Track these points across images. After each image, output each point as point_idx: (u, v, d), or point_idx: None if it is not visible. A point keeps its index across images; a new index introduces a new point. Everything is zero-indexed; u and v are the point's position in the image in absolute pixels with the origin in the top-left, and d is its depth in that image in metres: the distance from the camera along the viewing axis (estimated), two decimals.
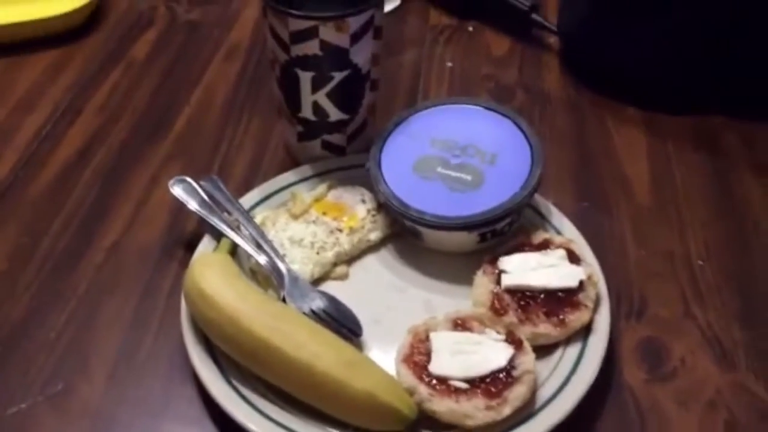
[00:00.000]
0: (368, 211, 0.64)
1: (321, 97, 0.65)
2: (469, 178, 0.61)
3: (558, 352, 0.55)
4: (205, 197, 0.63)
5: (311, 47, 0.62)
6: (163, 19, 0.93)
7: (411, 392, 0.50)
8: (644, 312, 0.60)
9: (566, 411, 0.50)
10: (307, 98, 0.65)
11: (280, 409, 0.51)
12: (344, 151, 0.69)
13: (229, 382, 0.52)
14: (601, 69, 0.82)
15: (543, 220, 0.63)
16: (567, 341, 0.55)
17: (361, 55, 0.63)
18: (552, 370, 0.53)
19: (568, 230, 0.62)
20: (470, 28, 0.92)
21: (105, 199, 0.69)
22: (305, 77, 0.64)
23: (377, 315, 0.58)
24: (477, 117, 0.65)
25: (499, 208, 0.59)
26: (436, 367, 0.51)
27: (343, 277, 0.61)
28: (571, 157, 0.74)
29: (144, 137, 0.76)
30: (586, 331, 0.55)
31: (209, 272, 0.54)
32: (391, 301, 0.59)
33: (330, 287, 0.60)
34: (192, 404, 0.54)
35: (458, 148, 0.63)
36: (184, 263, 0.62)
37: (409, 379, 0.51)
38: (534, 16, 0.88)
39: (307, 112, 0.66)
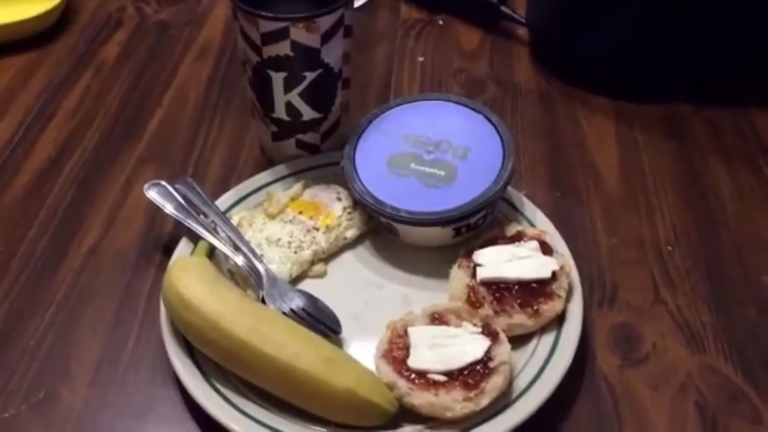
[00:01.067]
0: (344, 208, 0.65)
1: (294, 97, 0.65)
2: (442, 173, 0.62)
3: (533, 342, 0.56)
4: (181, 200, 0.63)
5: (282, 48, 0.62)
6: (132, 20, 0.93)
7: (391, 387, 0.51)
8: (616, 299, 0.62)
9: (542, 399, 0.52)
10: (279, 98, 0.66)
11: (262, 409, 0.52)
12: (318, 150, 0.70)
13: (211, 384, 0.53)
14: (570, 59, 0.83)
15: (516, 212, 0.65)
16: (542, 331, 0.56)
17: (333, 55, 0.64)
18: (527, 360, 0.55)
19: (540, 221, 0.63)
20: (440, 22, 0.93)
21: (80, 204, 0.70)
22: (277, 78, 0.64)
23: (356, 311, 0.59)
24: (449, 112, 0.66)
25: (472, 202, 0.60)
26: (415, 361, 0.52)
27: (321, 275, 0.62)
28: (542, 148, 0.75)
29: (117, 140, 0.76)
30: (560, 319, 0.57)
31: (187, 276, 0.55)
32: (369, 297, 0.60)
33: (308, 285, 0.61)
34: (175, 406, 0.55)
35: (431, 144, 0.64)
36: (163, 267, 0.62)
37: (388, 374, 0.52)
38: (503, 8, 0.89)
39: (280, 113, 0.67)
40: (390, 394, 0.51)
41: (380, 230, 0.65)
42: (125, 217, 0.68)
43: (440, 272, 0.61)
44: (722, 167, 0.73)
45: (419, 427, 0.51)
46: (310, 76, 0.64)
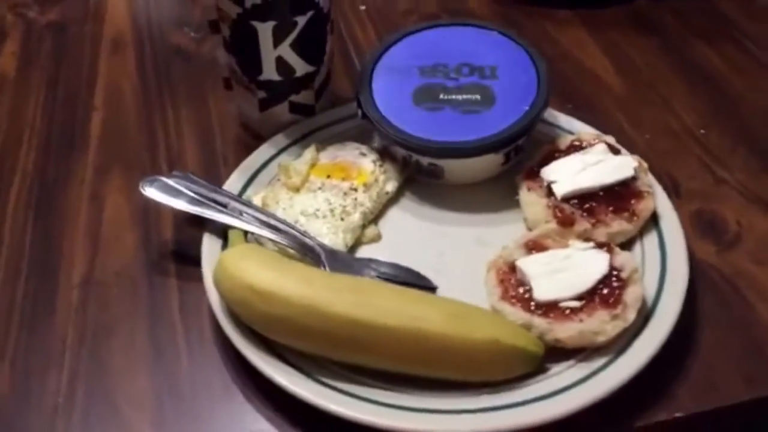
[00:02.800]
0: (374, 162, 0.57)
1: (285, 50, 0.56)
2: (477, 96, 0.56)
3: (637, 247, 0.51)
4: (190, 193, 0.53)
5: None
6: (18, 28, 0.79)
7: (527, 328, 0.45)
8: (679, 188, 0.58)
9: (680, 301, 0.47)
10: (268, 55, 0.56)
11: (387, 392, 0.44)
12: (314, 111, 0.61)
13: (317, 380, 0.44)
14: None
15: (552, 127, 0.60)
16: (640, 234, 0.52)
17: None
18: (641, 265, 0.50)
19: (581, 128, 0.59)
20: None
21: (47, 231, 0.57)
22: (265, 29, 0.55)
23: (433, 265, 0.51)
24: (452, 36, 0.60)
25: (524, 118, 0.54)
26: (542, 293, 0.46)
27: (377, 238, 0.54)
28: None
29: (60, 154, 0.63)
30: (653, 218, 0.52)
31: (251, 265, 0.45)
32: (439, 248, 0.53)
33: (368, 253, 0.53)
34: (274, 421, 0.45)
35: (451, 70, 0.57)
36: (183, 274, 0.53)
37: (518, 315, 0.45)
38: None
39: (269, 72, 0.57)
40: (531, 335, 0.44)
41: (417, 178, 0.57)
42: (110, 234, 0.57)
43: (497, 205, 0.55)
44: (709, 50, 0.72)
45: (569, 363, 0.45)
46: (301, 20, 0.55)
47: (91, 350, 0.49)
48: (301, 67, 0.58)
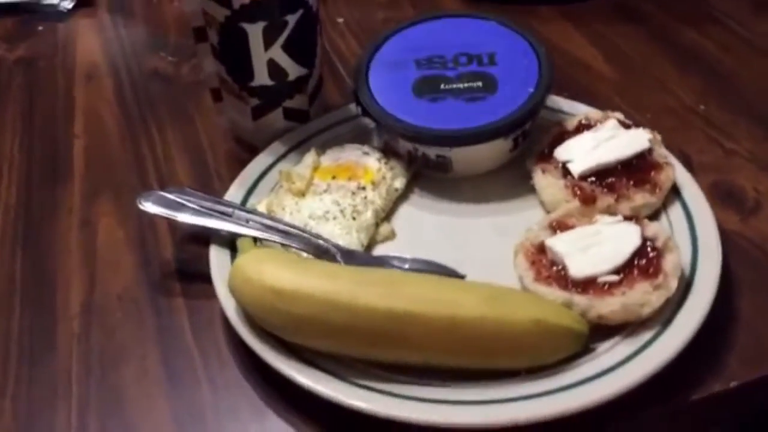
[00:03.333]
0: (379, 160, 0.54)
1: (276, 52, 0.54)
2: (479, 84, 0.54)
3: (663, 219, 0.49)
4: (192, 205, 0.50)
5: None
6: None
7: (567, 306, 0.42)
8: (691, 163, 0.57)
9: (718, 268, 0.45)
10: (259, 58, 0.54)
11: (427, 387, 0.41)
12: (308, 117, 0.59)
13: (351, 382, 0.41)
14: None
15: (555, 113, 0.58)
16: (664, 206, 0.50)
17: None
18: (671, 236, 0.48)
19: (587, 110, 0.57)
20: None
21: (38, 264, 0.53)
22: (255, 31, 0.53)
23: (454, 258, 0.48)
24: (445, 27, 0.59)
25: (530, 101, 0.53)
26: (578, 270, 0.44)
27: (391, 236, 0.51)
28: None
29: (43, 185, 0.60)
30: (673, 190, 0.51)
31: (269, 267, 0.42)
32: (458, 241, 0.51)
33: (383, 252, 0.50)
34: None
35: (450, 61, 0.56)
36: (190, 292, 0.50)
37: (557, 294, 0.43)
38: None
39: (261, 77, 0.55)
40: (574, 313, 0.42)
41: (424, 173, 0.55)
42: (107, 258, 0.53)
43: (511, 193, 0.54)
44: (694, 32, 0.72)
45: (615, 339, 0.43)
46: (291, 20, 0.53)
47: (100, 380, 0.45)
48: (293, 70, 0.56)
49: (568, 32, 0.74)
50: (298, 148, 0.57)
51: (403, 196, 0.54)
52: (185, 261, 0.52)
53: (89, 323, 0.49)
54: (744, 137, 0.59)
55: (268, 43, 0.54)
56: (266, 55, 0.54)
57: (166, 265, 0.52)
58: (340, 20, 0.79)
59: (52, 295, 0.51)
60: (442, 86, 0.54)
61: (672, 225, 0.49)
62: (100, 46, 0.78)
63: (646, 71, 0.67)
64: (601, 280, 0.43)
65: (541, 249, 0.46)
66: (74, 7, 0.83)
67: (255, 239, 0.48)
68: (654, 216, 0.50)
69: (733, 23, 0.72)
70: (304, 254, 0.48)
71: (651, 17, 0.74)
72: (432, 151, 0.53)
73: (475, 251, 0.50)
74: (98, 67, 0.74)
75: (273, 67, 0.55)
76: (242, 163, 0.57)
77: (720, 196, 0.54)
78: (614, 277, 0.43)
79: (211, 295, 0.46)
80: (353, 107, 0.57)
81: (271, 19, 0.53)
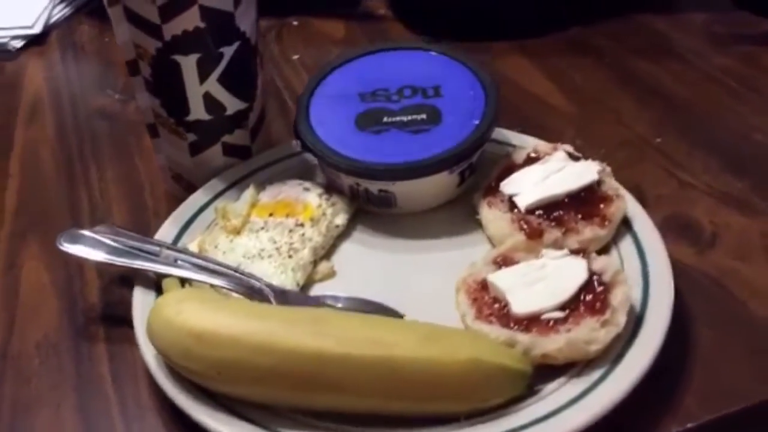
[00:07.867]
0: (320, 196, 0.52)
1: (212, 85, 0.52)
2: (423, 116, 0.52)
3: (614, 253, 0.47)
4: (113, 243, 0.47)
5: (190, 19, 0.49)
6: None
7: (510, 345, 0.40)
8: (645, 197, 0.55)
9: (670, 302, 0.43)
10: (195, 91, 0.52)
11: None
12: (250, 153, 0.57)
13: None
14: (447, 18, 0.78)
15: (503, 146, 0.56)
16: (614, 239, 0.48)
17: (247, 19, 0.52)
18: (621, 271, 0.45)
19: (535, 143, 0.55)
20: (295, 23, 0.83)
21: None
22: (188, 63, 0.51)
23: (395, 296, 0.46)
24: (390, 60, 0.57)
25: (475, 133, 0.51)
26: (520, 306, 0.41)
27: (331, 274, 0.49)
28: None
29: None
30: (624, 223, 0.49)
31: (189, 306, 0.39)
32: (400, 278, 0.48)
33: (322, 291, 0.48)
34: None
35: (393, 93, 0.54)
36: (113, 338, 0.47)
37: (498, 332, 0.40)
38: None
39: (198, 112, 0.53)
40: (516, 351, 0.39)
41: (367, 209, 0.53)
42: (29, 303, 0.50)
43: (457, 228, 0.51)
44: (650, 65, 0.70)
45: (562, 380, 0.40)
46: (227, 51, 0.52)
47: (9, 429, 0.42)
48: (231, 103, 0.54)
49: (524, 67, 0.72)
50: (239, 184, 0.55)
51: (345, 233, 0.52)
52: (111, 305, 0.49)
53: (3, 370, 0.45)
54: (700, 170, 0.57)
55: (203, 76, 0.52)
56: (202, 89, 0.52)
57: (91, 310, 0.49)
58: (296, 57, 0.77)
59: None
60: (385, 119, 0.52)
61: (623, 259, 0.47)
62: (46, 82, 0.76)
63: (603, 104, 0.66)
64: (545, 316, 0.41)
65: (484, 285, 0.43)
66: (24, 45, 0.81)
67: (183, 280, 0.45)
68: (604, 250, 0.47)
69: (691, 55, 0.71)
70: (235, 295, 0.45)
71: (608, 51, 0.73)
72: (374, 186, 0.51)
73: (418, 289, 0.47)
74: (42, 105, 0.72)
75: (209, 101, 0.53)
76: (177, 202, 0.54)
77: (676, 229, 0.52)
78: (559, 314, 0.41)
79: (135, 340, 0.43)
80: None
81: (206, 51, 0.51)
